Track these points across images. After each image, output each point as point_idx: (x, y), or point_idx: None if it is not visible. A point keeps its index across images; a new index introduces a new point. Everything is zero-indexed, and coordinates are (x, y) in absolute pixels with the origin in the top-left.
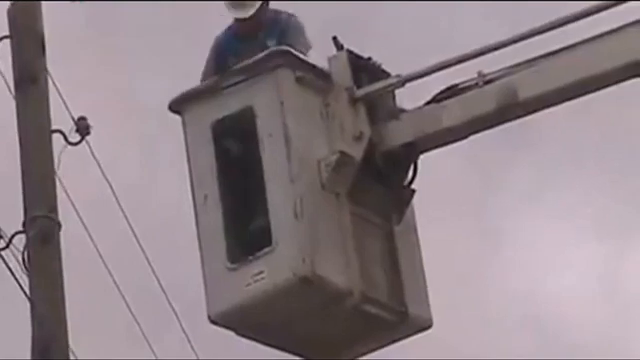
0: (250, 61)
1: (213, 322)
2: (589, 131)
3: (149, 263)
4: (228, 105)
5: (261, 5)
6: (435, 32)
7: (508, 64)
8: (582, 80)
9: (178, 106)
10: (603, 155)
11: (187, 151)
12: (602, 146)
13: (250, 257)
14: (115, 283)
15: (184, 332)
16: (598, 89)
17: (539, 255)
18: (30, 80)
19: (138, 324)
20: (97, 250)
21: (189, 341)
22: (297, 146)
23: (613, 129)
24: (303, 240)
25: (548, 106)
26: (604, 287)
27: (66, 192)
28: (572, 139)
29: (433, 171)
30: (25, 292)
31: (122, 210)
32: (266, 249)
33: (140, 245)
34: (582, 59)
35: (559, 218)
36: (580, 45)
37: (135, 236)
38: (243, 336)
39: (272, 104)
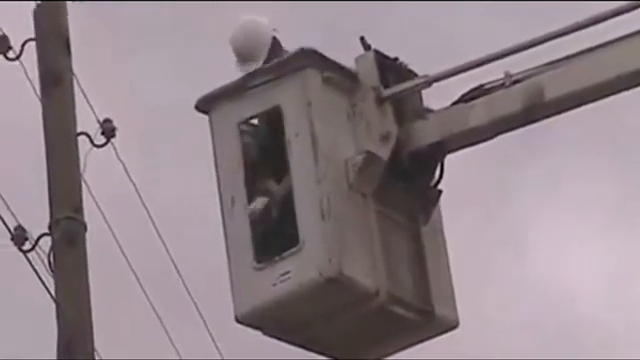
0: (277, 61)
1: (239, 322)
2: (602, 129)
3: (174, 264)
4: (255, 105)
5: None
6: (436, 32)
7: (535, 64)
8: (610, 80)
9: (205, 105)
10: (616, 152)
11: (214, 151)
12: (615, 143)
13: (277, 257)
14: (139, 283)
15: (208, 331)
16: (627, 89)
17: (539, 255)
18: (55, 82)
19: (162, 324)
20: (122, 251)
21: (213, 340)
22: (324, 146)
23: (625, 127)
24: (330, 240)
25: (575, 107)
26: (604, 287)
27: (91, 194)
28: (584, 138)
29: None
30: (51, 293)
31: (147, 211)
32: (293, 249)
33: (165, 246)
34: (611, 59)
35: (562, 218)
36: (609, 45)
37: (160, 237)
38: (269, 336)
39: (299, 104)
